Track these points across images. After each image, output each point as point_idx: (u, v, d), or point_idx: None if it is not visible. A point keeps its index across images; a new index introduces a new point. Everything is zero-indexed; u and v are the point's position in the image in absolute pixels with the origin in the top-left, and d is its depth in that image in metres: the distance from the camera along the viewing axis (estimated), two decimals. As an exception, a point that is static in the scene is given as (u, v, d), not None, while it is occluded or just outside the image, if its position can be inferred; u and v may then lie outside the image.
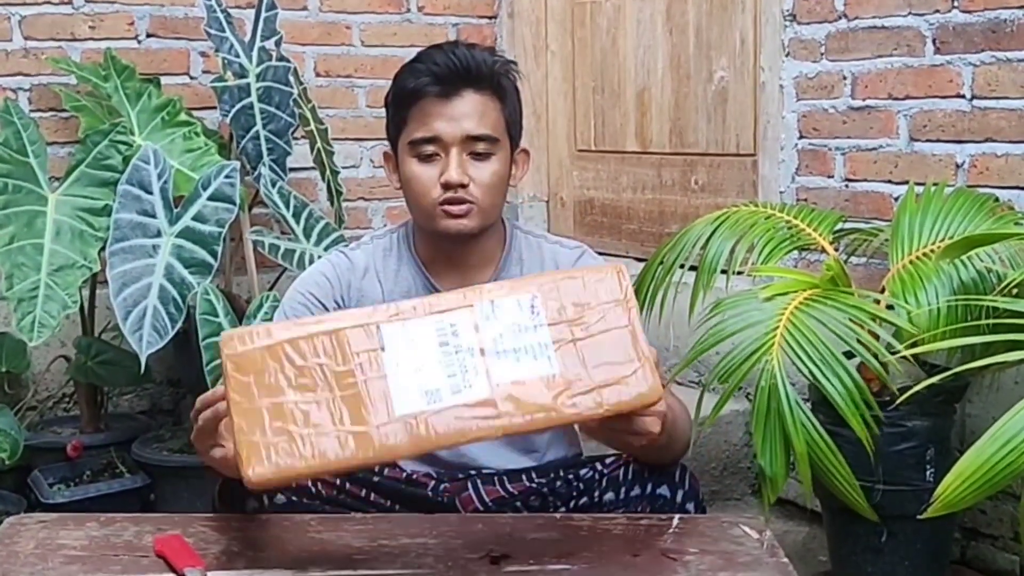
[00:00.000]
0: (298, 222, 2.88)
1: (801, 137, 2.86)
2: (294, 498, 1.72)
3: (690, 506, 1.74)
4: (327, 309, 1.86)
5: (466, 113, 1.78)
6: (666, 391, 1.53)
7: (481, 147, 1.79)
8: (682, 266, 2.43)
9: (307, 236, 2.88)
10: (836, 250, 2.44)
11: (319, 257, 2.84)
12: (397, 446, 1.34)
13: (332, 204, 3.19)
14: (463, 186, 1.79)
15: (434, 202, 1.81)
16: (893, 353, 2.01)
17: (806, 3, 2.80)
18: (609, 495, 1.78)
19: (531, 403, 1.37)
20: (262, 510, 1.71)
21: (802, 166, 2.87)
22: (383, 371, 1.36)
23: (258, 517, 1.66)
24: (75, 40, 3.06)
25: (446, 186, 1.79)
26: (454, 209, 1.80)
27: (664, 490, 1.75)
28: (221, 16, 2.89)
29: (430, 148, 1.80)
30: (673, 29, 3.30)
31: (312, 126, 3.11)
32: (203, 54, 3.22)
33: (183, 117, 2.83)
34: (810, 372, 1.99)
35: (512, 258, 1.90)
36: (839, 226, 2.49)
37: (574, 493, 1.82)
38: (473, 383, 1.37)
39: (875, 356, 2.02)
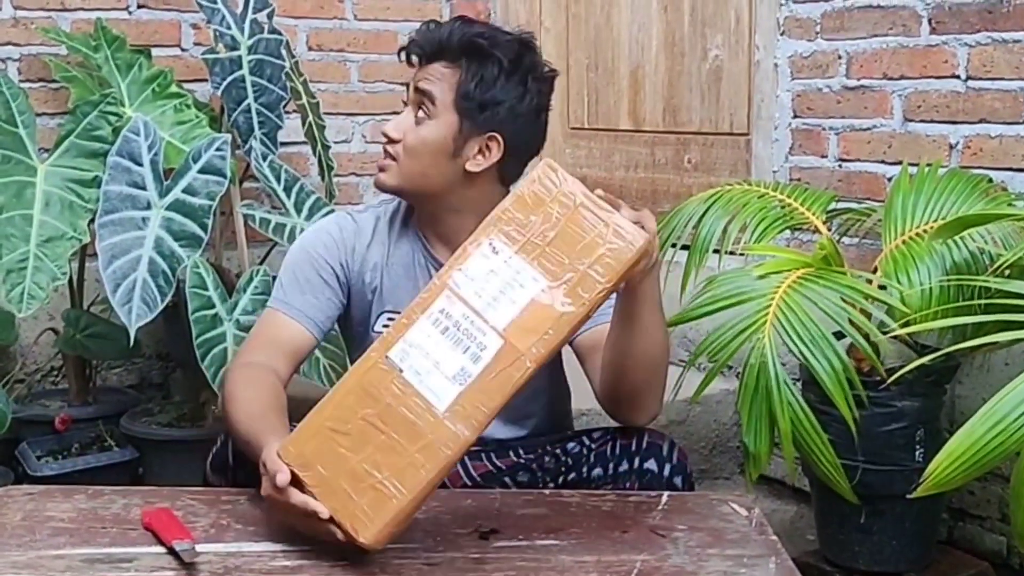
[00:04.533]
0: (289, 196, 2.86)
1: (795, 116, 2.86)
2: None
3: (678, 480, 1.75)
4: (334, 271, 1.88)
5: (426, 75, 1.81)
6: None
7: (423, 108, 1.80)
8: (674, 245, 2.43)
9: (298, 210, 2.86)
10: (829, 230, 2.43)
11: (310, 232, 2.83)
12: (459, 435, 1.41)
13: (323, 179, 3.17)
14: (393, 139, 1.82)
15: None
16: (886, 332, 2.01)
17: (801, -19, 2.79)
18: (597, 470, 1.79)
19: (543, 323, 1.43)
20: (251, 482, 1.71)
21: (796, 145, 2.86)
22: (412, 387, 1.42)
23: (247, 491, 1.66)
24: (65, 10, 3.03)
25: (383, 134, 1.85)
26: (380, 162, 1.86)
27: (652, 464, 1.75)
28: (213, -13, 2.87)
29: (405, 98, 1.85)
30: (668, 7, 3.28)
31: (304, 100, 3.09)
32: (194, 26, 3.20)
33: (174, 89, 2.81)
34: (800, 351, 1.99)
35: None
36: (832, 206, 2.48)
37: (562, 468, 1.82)
38: (485, 342, 1.43)
39: (866, 336, 2.02)
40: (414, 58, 1.83)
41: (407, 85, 1.85)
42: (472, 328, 1.43)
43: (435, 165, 1.81)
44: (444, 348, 1.43)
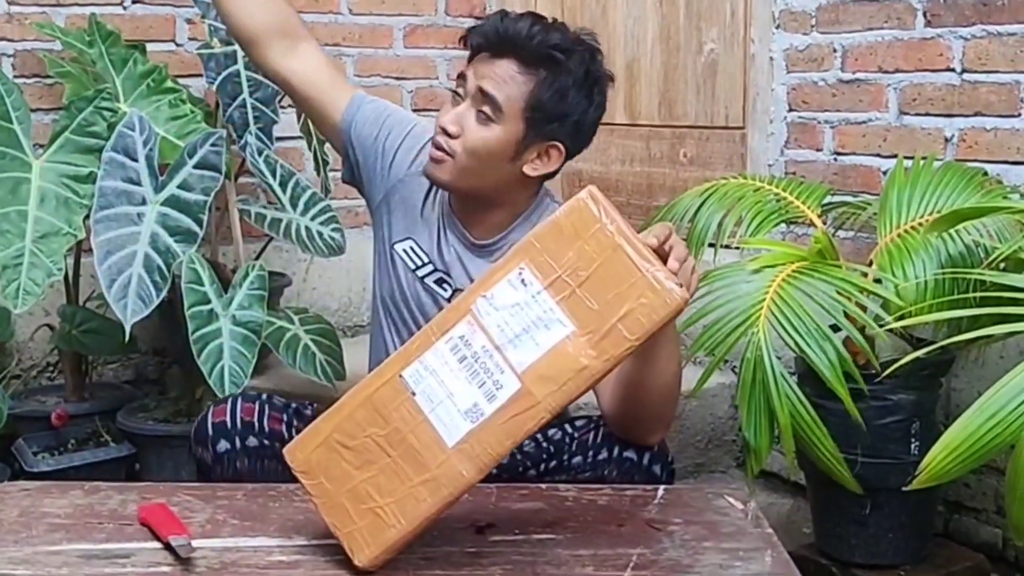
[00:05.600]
0: (284, 191, 2.86)
1: (790, 110, 2.86)
2: (265, 442, 1.76)
3: (657, 468, 1.75)
4: (393, 146, 1.96)
5: (493, 74, 1.78)
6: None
7: (486, 109, 1.78)
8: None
9: (293, 206, 2.86)
10: (824, 223, 2.44)
11: (306, 228, 2.84)
12: (463, 476, 1.38)
13: (318, 174, 3.17)
14: (450, 134, 1.80)
15: (431, 139, 1.86)
16: (881, 325, 2.01)
17: (797, -26, 2.79)
18: (578, 458, 1.79)
19: (563, 373, 1.38)
20: (234, 452, 1.75)
21: (791, 139, 2.86)
22: (422, 414, 1.39)
23: (244, 486, 1.66)
24: (60, 5, 3.02)
25: (439, 127, 1.82)
26: (434, 152, 1.83)
27: (631, 453, 1.75)
28: (207, -18, 2.86)
29: (460, 89, 1.83)
30: (663, 0, 3.28)
31: (299, 95, 3.09)
32: (189, 21, 3.19)
33: (169, 84, 2.80)
34: (796, 344, 1.99)
35: (524, 225, 1.88)
36: (827, 199, 2.49)
37: (543, 456, 1.83)
38: (502, 382, 1.38)
39: (861, 329, 2.02)
40: (477, 48, 1.81)
41: (461, 75, 1.83)
42: (490, 363, 1.39)
43: (493, 167, 1.82)
44: (460, 379, 1.39)
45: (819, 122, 2.79)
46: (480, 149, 1.80)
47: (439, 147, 1.82)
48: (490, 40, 1.79)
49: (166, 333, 2.99)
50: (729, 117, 3.12)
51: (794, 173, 2.83)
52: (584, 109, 1.81)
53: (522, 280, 1.40)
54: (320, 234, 2.87)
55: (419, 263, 1.94)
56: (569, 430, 1.82)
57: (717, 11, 3.12)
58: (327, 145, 3.16)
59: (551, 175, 1.88)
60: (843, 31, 2.70)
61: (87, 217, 2.46)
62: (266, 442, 1.76)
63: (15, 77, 2.93)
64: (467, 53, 1.84)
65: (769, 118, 2.90)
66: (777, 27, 2.84)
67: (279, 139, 3.01)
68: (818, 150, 2.80)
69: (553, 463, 1.81)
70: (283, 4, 2.01)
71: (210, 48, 2.82)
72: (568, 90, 1.78)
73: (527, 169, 1.82)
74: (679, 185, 3.20)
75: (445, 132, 1.81)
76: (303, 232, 2.83)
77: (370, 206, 2.02)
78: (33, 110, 2.75)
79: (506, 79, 1.77)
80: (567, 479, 1.76)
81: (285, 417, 1.81)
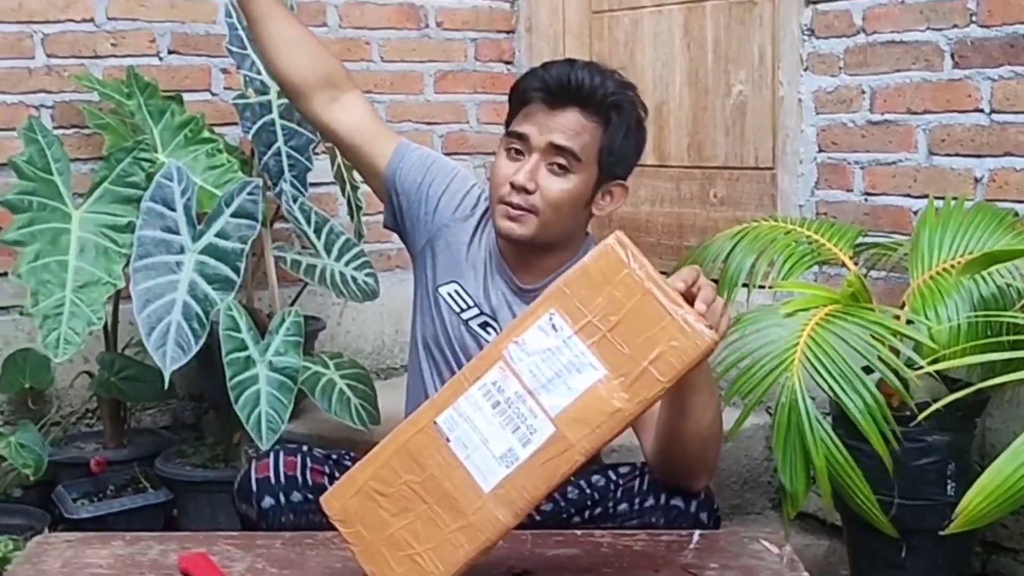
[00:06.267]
0: (319, 237, 2.89)
1: (820, 151, 2.87)
2: (310, 496, 1.77)
3: (704, 516, 1.75)
4: (436, 195, 1.99)
5: (561, 126, 1.82)
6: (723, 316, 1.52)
7: (561, 160, 1.83)
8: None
9: (328, 251, 2.89)
10: (856, 264, 2.44)
11: (340, 273, 2.87)
12: (499, 521, 1.39)
13: (352, 219, 3.20)
14: (527, 191, 1.83)
15: (500, 197, 1.88)
16: (914, 368, 2.01)
17: (824, 18, 2.80)
18: (623, 506, 1.79)
19: (596, 416, 1.39)
20: (278, 508, 1.76)
21: (821, 180, 2.87)
22: (458, 460, 1.41)
23: (282, 535, 1.68)
24: (97, 57, 3.08)
25: (512, 185, 1.84)
26: (511, 211, 1.86)
27: (678, 501, 1.75)
28: (242, 33, 2.90)
29: (518, 145, 1.86)
30: (691, 43, 3.31)
31: (332, 141, 3.13)
32: (224, 70, 3.24)
33: (205, 134, 2.85)
34: (830, 388, 2.00)
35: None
36: (859, 240, 2.49)
37: (588, 502, 1.83)
38: (536, 426, 1.40)
39: (895, 372, 2.02)
40: (529, 99, 1.85)
41: (516, 133, 1.86)
42: (524, 408, 1.40)
43: (572, 215, 1.88)
44: (494, 425, 1.40)
45: (849, 163, 2.80)
46: (563, 201, 1.85)
47: (517, 206, 1.85)
48: (552, 92, 1.83)
49: (203, 378, 3.02)
50: (759, 158, 3.13)
51: (825, 213, 2.83)
52: (639, 146, 1.91)
53: (553, 325, 1.42)
54: (354, 279, 2.90)
55: (464, 307, 1.96)
56: (614, 477, 1.83)
57: (745, 54, 3.14)
58: (360, 191, 3.20)
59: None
60: (871, 73, 2.71)
61: (126, 266, 2.50)
62: (310, 496, 1.76)
63: (55, 128, 2.98)
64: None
65: (799, 159, 2.91)
66: (805, 69, 2.86)
67: (313, 185, 3.04)
68: (848, 190, 2.80)
69: (598, 510, 1.81)
70: (328, 55, 2.07)
71: (246, 98, 2.87)
72: (632, 132, 1.87)
73: (595, 209, 1.90)
74: (710, 225, 3.21)
75: (523, 190, 1.84)
76: (337, 277, 2.87)
77: (412, 251, 2.06)
78: (72, 160, 2.80)
79: (577, 130, 1.82)
80: (613, 526, 1.76)
81: (327, 469, 1.83)
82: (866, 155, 2.75)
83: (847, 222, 2.68)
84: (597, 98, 1.82)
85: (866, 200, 2.76)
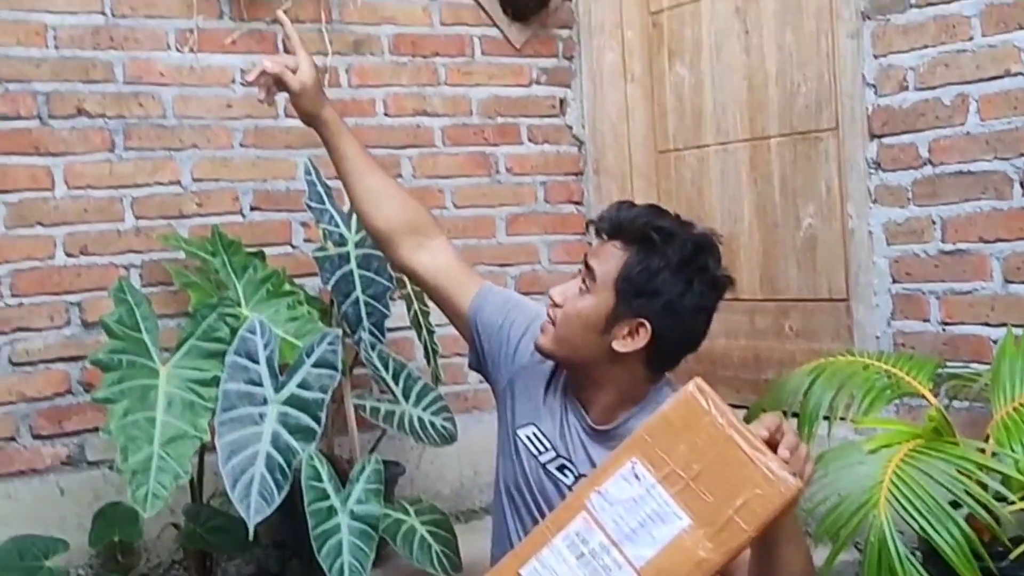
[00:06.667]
0: (397, 383, 2.94)
1: (894, 282, 2.87)
2: None
3: None
4: (518, 334, 2.03)
5: (600, 252, 1.89)
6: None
7: (586, 280, 1.88)
8: (784, 412, 2.43)
9: (406, 397, 2.94)
10: (937, 396, 2.42)
11: (418, 418, 2.91)
12: None
13: (428, 362, 3.25)
14: (556, 303, 1.90)
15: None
16: (1003, 502, 1.97)
17: (890, 151, 2.83)
18: None
19: (682, 567, 1.38)
20: None
21: (897, 310, 2.86)
22: None
23: None
24: (183, 217, 3.20)
25: (550, 298, 1.92)
26: (544, 323, 1.93)
27: None
28: (321, 189, 3.01)
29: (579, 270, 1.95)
30: (758, 178, 3.35)
31: (408, 288, 3.19)
32: (303, 224, 3.34)
33: (287, 287, 2.93)
34: (919, 524, 1.96)
35: (642, 414, 1.89)
36: (938, 371, 2.47)
37: None
38: None
39: (984, 506, 1.98)
40: (596, 233, 1.92)
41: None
42: (608, 559, 1.40)
43: (584, 337, 1.88)
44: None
45: (924, 293, 2.79)
46: (573, 317, 1.88)
47: (549, 317, 1.92)
48: (603, 224, 1.90)
49: (287, 527, 3.03)
50: (832, 290, 3.14)
51: (903, 344, 2.82)
52: (679, 293, 1.83)
53: (635, 474, 1.42)
54: (432, 424, 2.93)
55: (542, 449, 1.97)
56: None
57: (812, 188, 3.18)
58: (436, 335, 3.25)
59: (659, 361, 1.89)
60: (940, 203, 2.73)
61: (211, 419, 2.55)
62: None
63: (143, 287, 3.08)
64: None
65: (873, 290, 2.91)
66: (874, 202, 2.88)
67: (390, 330, 3.10)
68: (925, 320, 2.79)
69: None
70: (414, 203, 2.15)
71: (325, 251, 2.95)
72: (660, 270, 1.83)
73: (616, 345, 1.86)
74: (786, 357, 3.20)
75: (553, 303, 1.91)
76: (416, 423, 2.90)
77: (495, 391, 2.09)
78: (159, 316, 2.89)
79: (608, 255, 1.87)
80: None
81: None
82: (941, 285, 2.75)
83: (925, 352, 2.66)
84: (633, 229, 1.86)
85: (944, 330, 2.75)
